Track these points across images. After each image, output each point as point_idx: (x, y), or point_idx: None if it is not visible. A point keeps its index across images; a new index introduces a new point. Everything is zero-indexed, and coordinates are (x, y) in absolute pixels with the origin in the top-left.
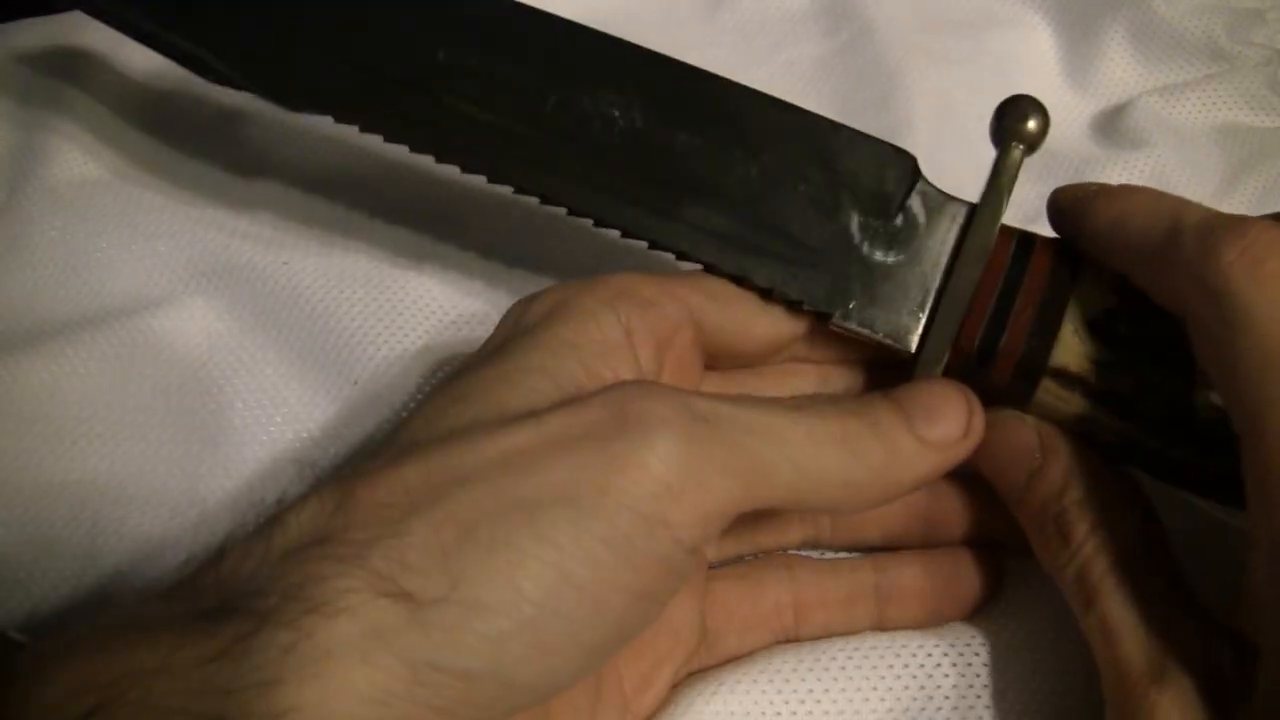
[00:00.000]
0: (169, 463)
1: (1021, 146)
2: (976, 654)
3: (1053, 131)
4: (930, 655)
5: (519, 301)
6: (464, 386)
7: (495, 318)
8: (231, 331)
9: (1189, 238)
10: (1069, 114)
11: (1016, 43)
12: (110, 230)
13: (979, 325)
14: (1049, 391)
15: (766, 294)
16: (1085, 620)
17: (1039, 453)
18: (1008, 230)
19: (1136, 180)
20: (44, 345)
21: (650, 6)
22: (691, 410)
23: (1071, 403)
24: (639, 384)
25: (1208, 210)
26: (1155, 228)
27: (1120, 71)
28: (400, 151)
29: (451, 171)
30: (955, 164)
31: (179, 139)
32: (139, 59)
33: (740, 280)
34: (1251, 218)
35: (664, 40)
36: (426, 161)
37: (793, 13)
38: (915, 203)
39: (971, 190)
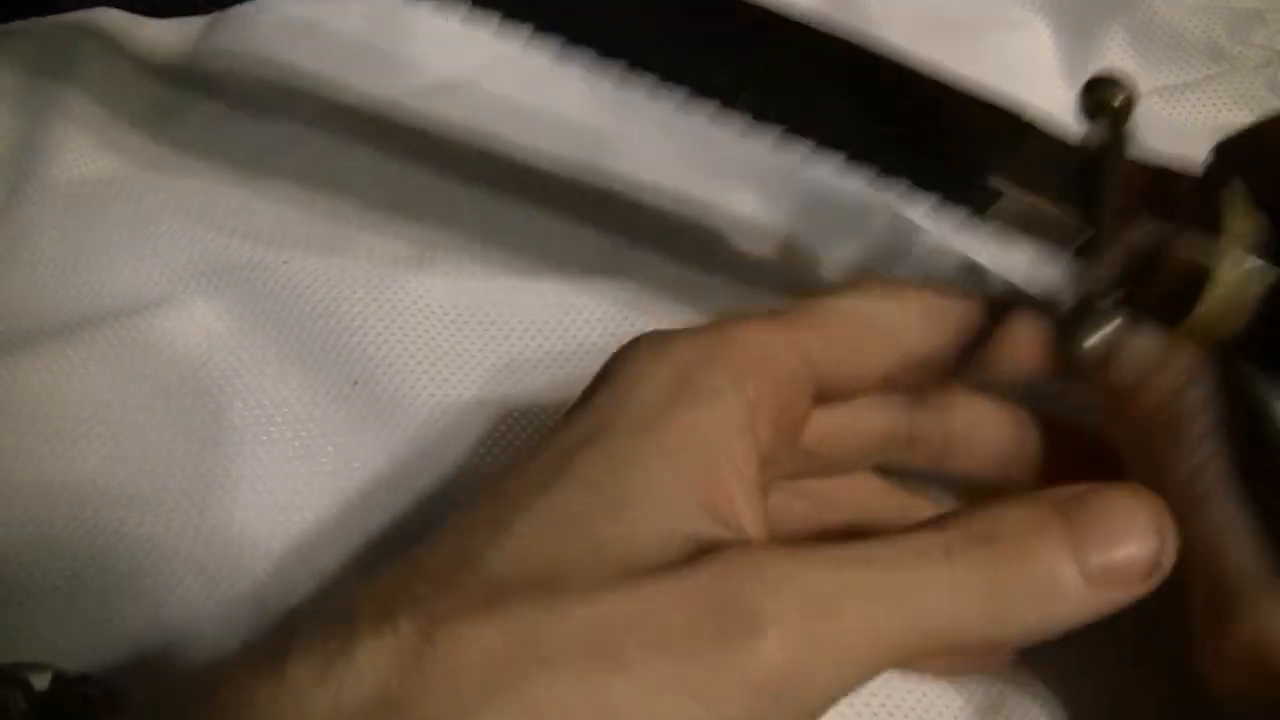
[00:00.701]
0: (169, 463)
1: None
2: None
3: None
4: None
5: (628, 357)
6: (564, 501)
7: (494, 315)
8: (231, 331)
9: None
10: (1069, 114)
11: (1016, 43)
12: (110, 230)
13: (1143, 220)
14: (1221, 285)
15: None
16: (1190, 523)
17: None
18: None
19: None
20: (44, 345)
21: None
22: (809, 598)
23: (1231, 296)
24: (752, 562)
25: None
26: None
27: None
28: (399, 149)
29: (451, 169)
30: None
31: (179, 139)
32: (139, 60)
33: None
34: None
35: None
36: (426, 160)
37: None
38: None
39: None
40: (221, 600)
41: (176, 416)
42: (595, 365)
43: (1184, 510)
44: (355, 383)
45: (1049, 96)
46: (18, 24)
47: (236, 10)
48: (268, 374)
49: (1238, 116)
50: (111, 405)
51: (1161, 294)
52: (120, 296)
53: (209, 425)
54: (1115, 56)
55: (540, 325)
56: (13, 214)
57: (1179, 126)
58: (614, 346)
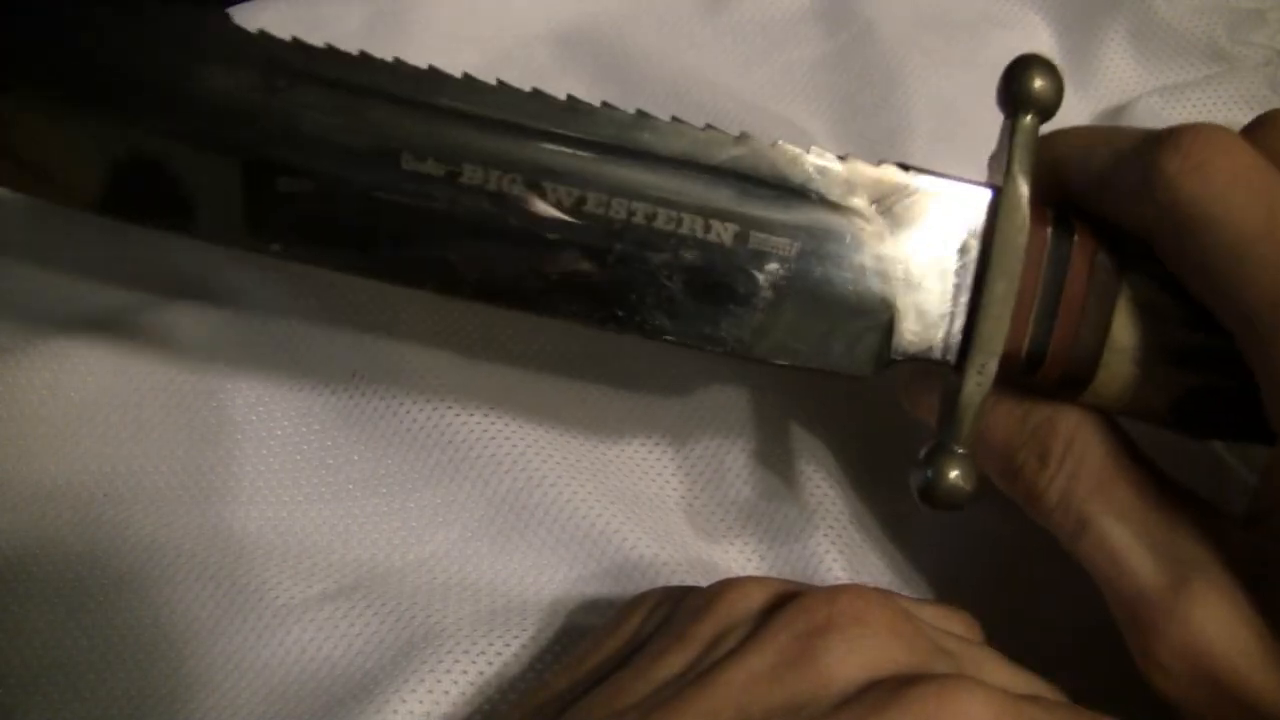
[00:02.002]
0: (170, 462)
1: (1033, 112)
2: None
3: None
4: None
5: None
6: None
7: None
8: (233, 330)
9: (1129, 163)
10: (1069, 115)
11: (1016, 43)
12: (110, 230)
13: (1026, 324)
14: (1101, 382)
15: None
16: (1080, 548)
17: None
18: (1040, 209)
19: None
20: (44, 345)
21: (650, 7)
22: None
23: (1120, 385)
24: None
25: (1139, 130)
26: (1095, 161)
27: (1120, 72)
28: None
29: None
30: (955, 165)
31: None
32: None
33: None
34: (1181, 125)
35: (664, 41)
36: None
37: (792, 14)
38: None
39: None
40: (222, 600)
41: (177, 415)
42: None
43: (1069, 534)
44: (354, 374)
45: None
46: None
47: (236, 11)
48: (268, 371)
49: (1238, 116)
50: (112, 405)
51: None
52: (121, 295)
53: (210, 424)
54: (1115, 56)
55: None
56: (13, 213)
57: None
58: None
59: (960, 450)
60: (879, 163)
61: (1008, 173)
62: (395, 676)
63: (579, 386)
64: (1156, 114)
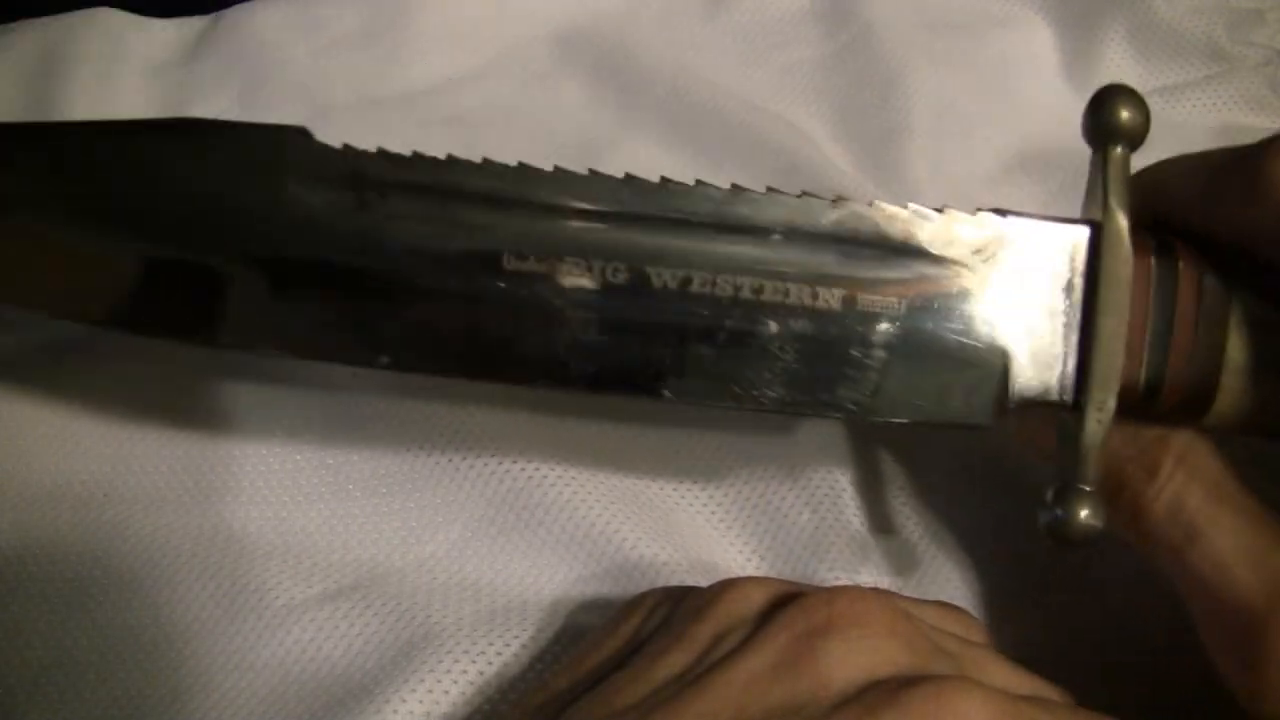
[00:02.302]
0: (170, 462)
1: (1123, 143)
2: None
3: (1053, 133)
4: None
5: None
6: None
7: None
8: None
9: (1233, 173)
10: (1069, 115)
11: (1016, 43)
12: None
13: (1140, 356)
14: (1220, 404)
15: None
16: (1187, 559)
17: None
18: (1140, 239)
19: None
20: (44, 346)
21: (650, 7)
22: None
23: (1240, 405)
24: None
25: (1231, 146)
26: (1196, 180)
27: (1120, 72)
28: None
29: None
30: (956, 164)
31: None
32: (139, 60)
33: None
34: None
35: (664, 41)
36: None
37: (792, 14)
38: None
39: (972, 189)
40: (222, 600)
41: (177, 416)
42: None
43: (1175, 544)
44: (355, 374)
45: (1049, 96)
46: (18, 24)
47: (236, 10)
48: (268, 370)
49: (1238, 116)
50: (112, 405)
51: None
52: None
53: (210, 424)
54: (1115, 56)
55: None
56: None
57: (1179, 126)
58: None
59: (1087, 488)
60: (975, 211)
61: (1105, 206)
62: (395, 676)
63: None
64: (1157, 114)
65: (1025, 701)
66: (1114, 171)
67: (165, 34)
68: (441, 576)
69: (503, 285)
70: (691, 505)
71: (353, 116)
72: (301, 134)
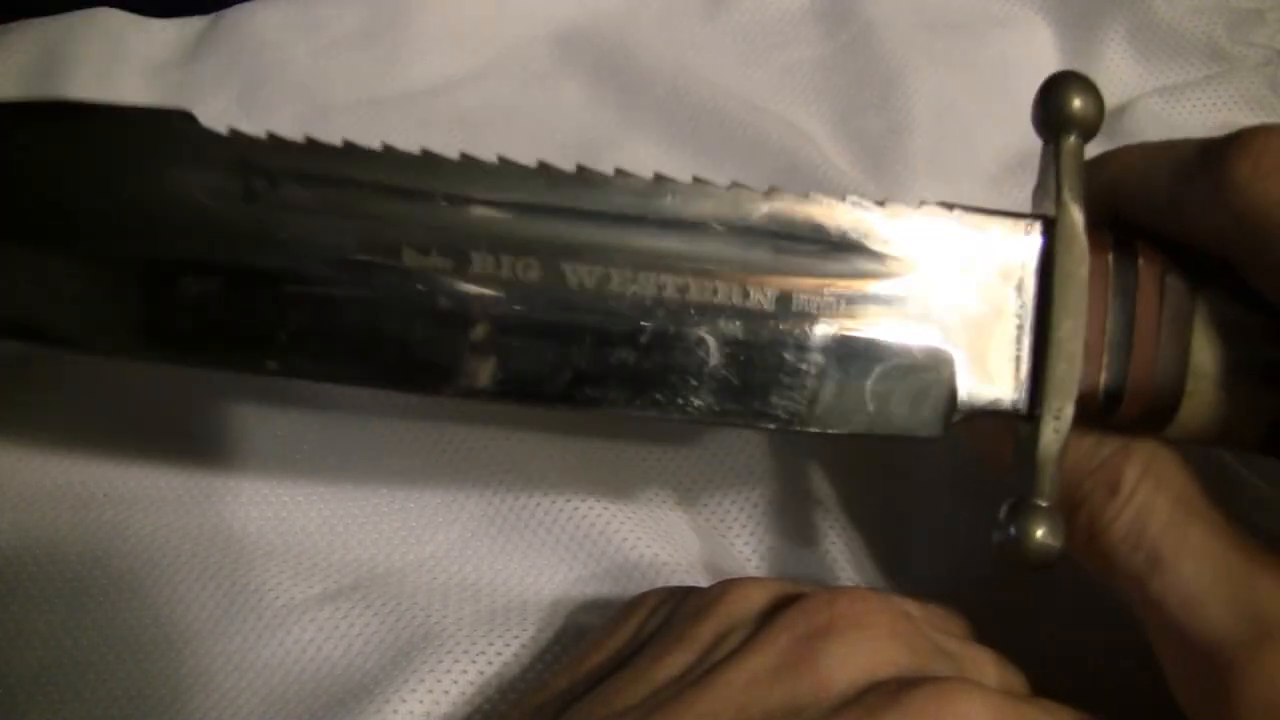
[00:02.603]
0: (170, 462)
1: (1075, 132)
2: None
3: None
4: None
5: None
6: None
7: None
8: None
9: (1195, 173)
10: None
11: (1016, 43)
12: None
13: (1099, 361)
14: (1186, 413)
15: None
16: (1150, 589)
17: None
18: (1097, 236)
19: None
20: (45, 348)
21: (650, 7)
22: None
23: (1207, 414)
24: None
25: (1198, 140)
26: (1156, 177)
27: (1120, 72)
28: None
29: None
30: (956, 164)
31: None
32: (139, 60)
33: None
34: (1247, 129)
35: (663, 41)
36: None
37: (792, 14)
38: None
39: (972, 189)
40: (222, 600)
41: (177, 416)
42: None
43: (1138, 572)
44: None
45: None
46: (18, 24)
47: (236, 10)
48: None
49: (1238, 116)
50: (112, 406)
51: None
52: None
53: (210, 425)
54: (1115, 56)
55: None
56: None
57: (1179, 126)
58: None
59: (1043, 504)
60: (920, 204)
61: (1059, 200)
62: (395, 676)
63: None
64: (1156, 114)
65: (1025, 702)
66: (1067, 163)
67: (165, 34)
68: (441, 577)
69: (403, 282)
70: (691, 505)
71: (352, 116)
72: (185, 117)
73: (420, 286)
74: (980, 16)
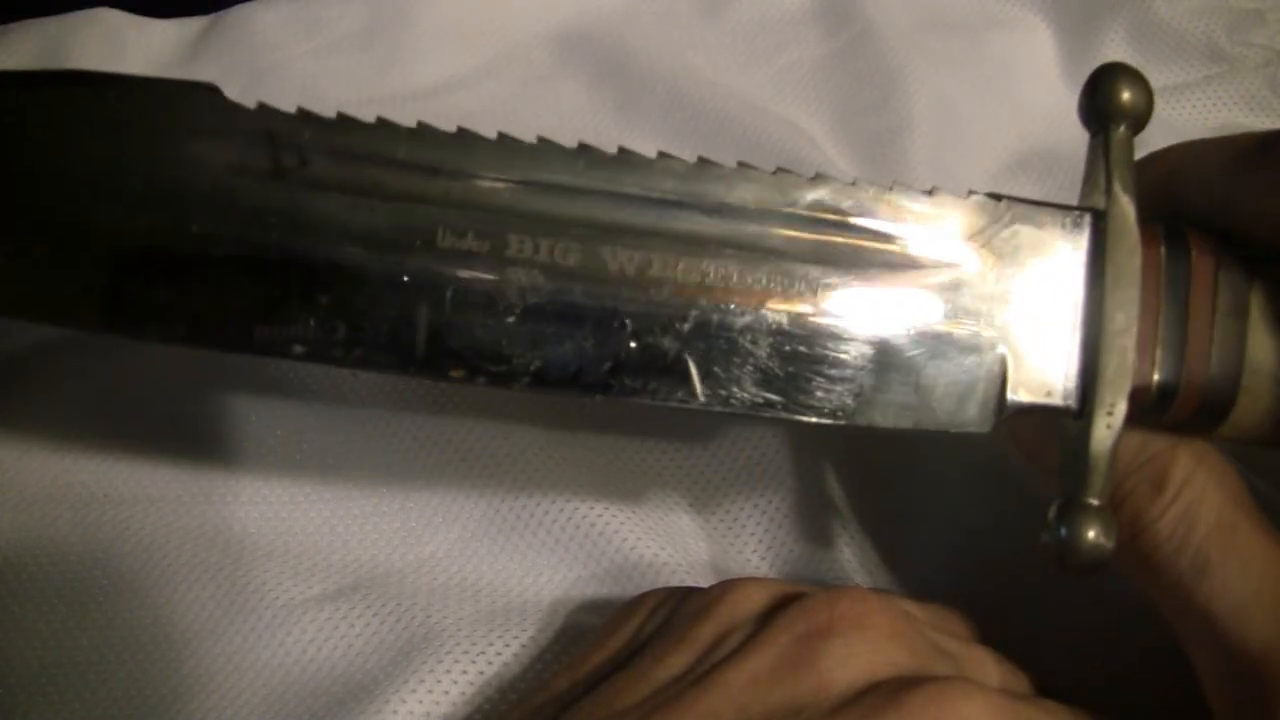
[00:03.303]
0: (170, 462)
1: (1125, 123)
2: None
3: (1053, 133)
4: None
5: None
6: None
7: None
8: None
9: (1256, 159)
10: (1068, 115)
11: (1016, 43)
12: None
13: (1152, 355)
14: (1242, 410)
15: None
16: (1195, 596)
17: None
18: (1148, 228)
19: None
20: (44, 349)
21: (650, 7)
22: None
23: (1264, 411)
24: None
25: (1260, 132)
26: (1213, 167)
27: None
28: None
29: None
30: (956, 164)
31: None
32: (139, 60)
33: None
34: None
35: (664, 41)
36: None
37: (793, 14)
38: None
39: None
40: (222, 600)
41: (177, 416)
42: None
43: (1182, 577)
44: (355, 374)
45: (1049, 96)
46: (18, 24)
47: (236, 10)
48: (268, 373)
49: (1238, 116)
50: (112, 406)
51: (1187, 417)
52: None
53: (210, 425)
54: (1115, 56)
55: None
56: None
57: (1179, 127)
58: None
59: (1095, 503)
60: (969, 194)
61: (1109, 191)
62: (395, 677)
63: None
64: (1157, 114)
65: (1024, 702)
66: (1117, 154)
67: (165, 34)
68: (441, 577)
69: (436, 266)
70: (691, 505)
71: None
72: (210, 90)
73: (455, 270)
74: (980, 17)
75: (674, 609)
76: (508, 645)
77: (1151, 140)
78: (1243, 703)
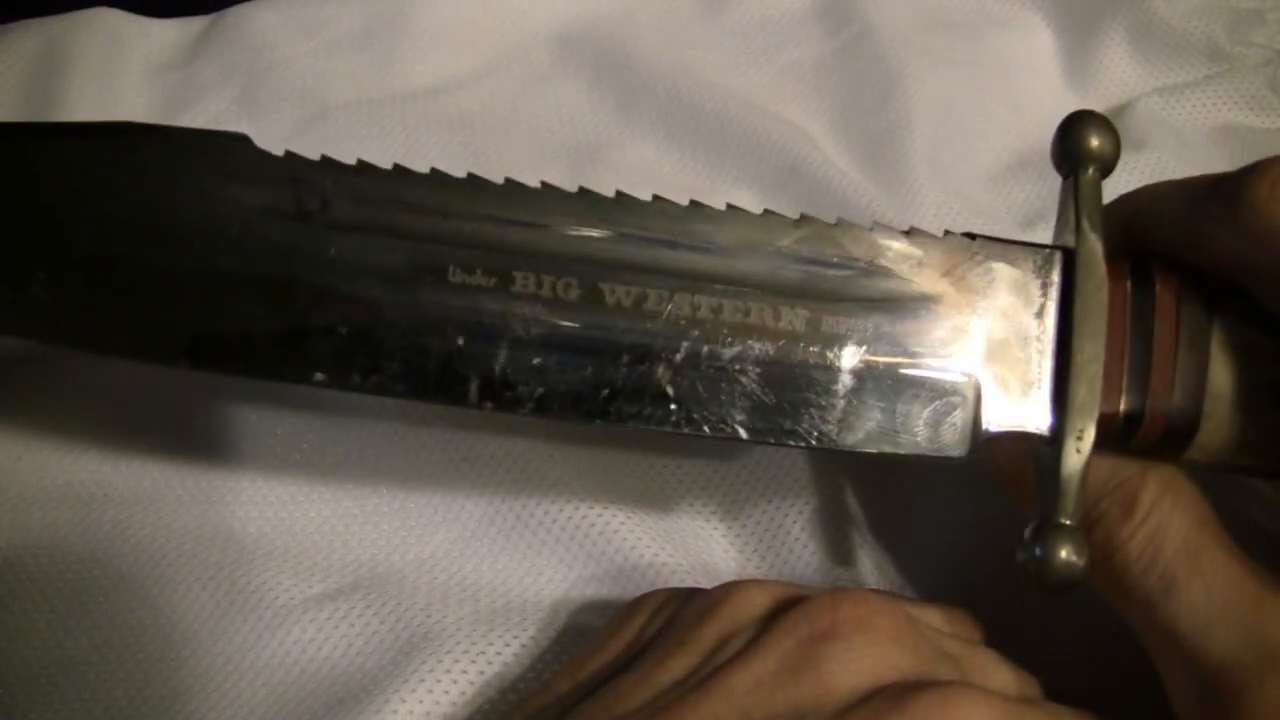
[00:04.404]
0: (170, 462)
1: (1094, 167)
2: None
3: (1052, 132)
4: None
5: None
6: None
7: None
8: None
9: (1212, 197)
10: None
11: (1016, 44)
12: None
13: (1119, 383)
14: (1205, 434)
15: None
16: (1162, 611)
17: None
18: (1115, 264)
19: (1137, 181)
20: (45, 349)
21: (650, 7)
22: None
23: (1225, 435)
24: None
25: (1213, 174)
26: (1174, 205)
27: (1120, 72)
28: (399, 147)
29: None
30: (955, 164)
31: None
32: (139, 60)
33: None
34: (1267, 158)
35: (663, 41)
36: (425, 157)
37: (793, 14)
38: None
39: (971, 189)
40: (222, 600)
41: (177, 416)
42: None
43: (1151, 593)
44: None
45: (1048, 97)
46: (18, 24)
47: (236, 10)
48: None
49: (1238, 116)
50: (111, 407)
51: (1152, 443)
52: None
53: (210, 425)
54: (1115, 56)
55: None
56: None
57: (1179, 126)
58: None
59: (1067, 523)
60: (944, 233)
61: (1078, 230)
62: (395, 676)
63: None
64: (1156, 114)
65: (1028, 706)
66: (1086, 194)
67: (165, 34)
68: (441, 577)
69: (448, 299)
70: (691, 506)
71: (352, 117)
72: (240, 140)
73: (465, 304)
74: (980, 17)
75: (676, 611)
76: (508, 645)
77: (1151, 139)
78: (1206, 714)
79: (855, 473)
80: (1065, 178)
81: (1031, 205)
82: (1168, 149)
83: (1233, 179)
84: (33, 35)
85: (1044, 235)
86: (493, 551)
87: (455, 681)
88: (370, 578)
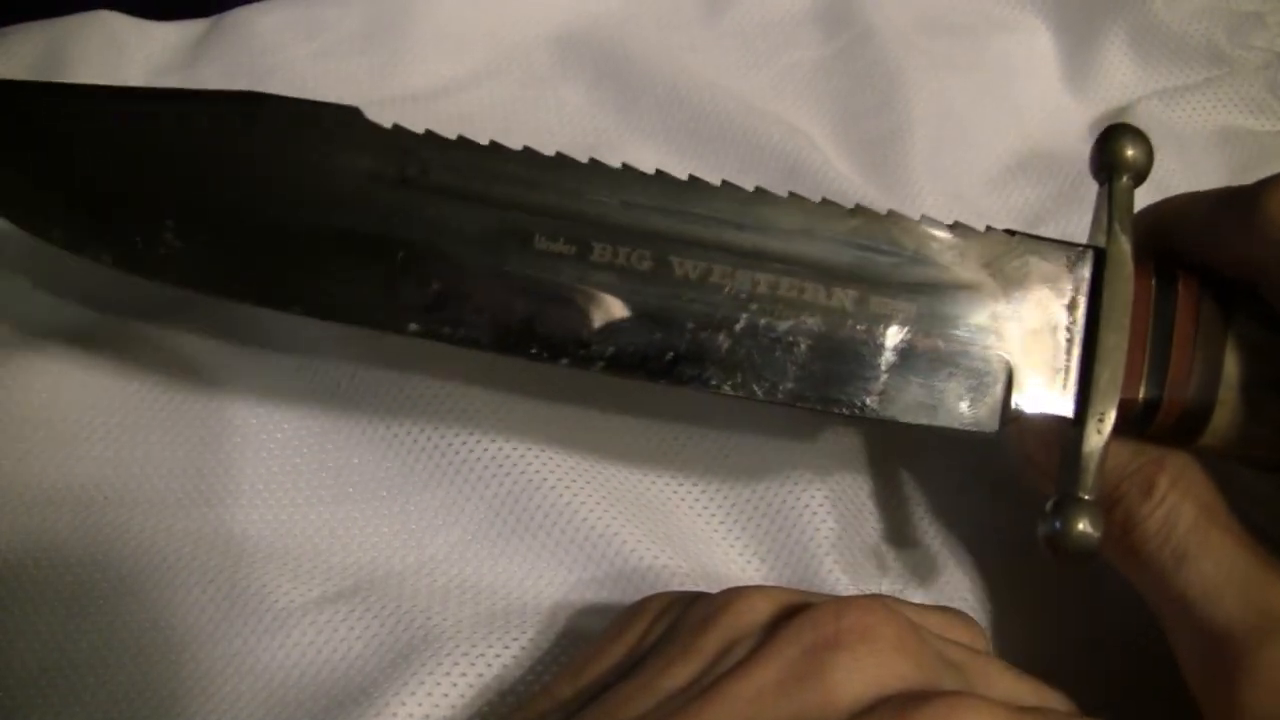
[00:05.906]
0: (170, 465)
1: (1128, 175)
2: None
3: (1053, 135)
4: None
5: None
6: None
7: None
8: (232, 334)
9: (1232, 206)
10: (1069, 118)
11: (1017, 46)
12: None
13: (1140, 372)
14: (1218, 422)
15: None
16: (1174, 582)
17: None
18: (1142, 264)
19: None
20: (46, 350)
21: (650, 9)
22: None
23: (1236, 425)
24: None
25: (1226, 186)
26: (1198, 212)
27: (1120, 75)
28: None
29: None
30: (955, 167)
31: None
32: (140, 62)
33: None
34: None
35: (663, 43)
36: None
37: (793, 16)
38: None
39: (972, 191)
40: (221, 603)
41: (177, 419)
42: None
43: (1164, 565)
44: (353, 376)
45: (1048, 99)
46: (18, 26)
47: (236, 13)
48: (268, 372)
49: (1238, 119)
50: (112, 408)
51: (1168, 430)
52: (123, 302)
53: (210, 426)
54: (1115, 59)
55: None
56: None
57: (1179, 129)
58: None
59: (1087, 498)
60: (986, 229)
61: (1110, 231)
62: (394, 679)
63: (580, 392)
64: (1156, 116)
65: (1031, 714)
66: (1119, 200)
67: (166, 36)
68: (441, 579)
69: (533, 264)
70: (693, 509)
71: None
72: (352, 111)
73: (547, 268)
74: (980, 19)
75: (678, 616)
76: (507, 648)
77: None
78: (1212, 675)
79: (857, 476)
80: (1101, 184)
81: (1031, 207)
82: (1167, 151)
83: (1250, 190)
84: (33, 38)
85: (1045, 232)
86: (493, 554)
87: (455, 684)
88: (370, 580)
